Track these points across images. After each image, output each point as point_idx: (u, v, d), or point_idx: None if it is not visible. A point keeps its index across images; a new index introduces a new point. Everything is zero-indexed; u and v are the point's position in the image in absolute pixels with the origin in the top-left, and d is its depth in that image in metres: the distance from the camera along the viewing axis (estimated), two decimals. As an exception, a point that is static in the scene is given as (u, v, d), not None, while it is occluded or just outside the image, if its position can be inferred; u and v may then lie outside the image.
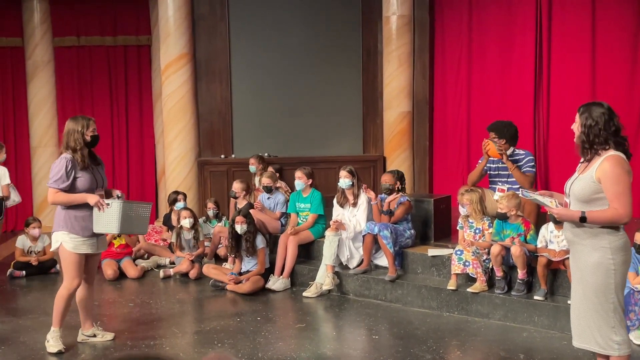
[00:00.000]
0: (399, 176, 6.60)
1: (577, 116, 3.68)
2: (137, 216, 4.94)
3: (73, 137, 4.82)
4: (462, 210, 6.02)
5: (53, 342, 4.95)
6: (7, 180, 7.29)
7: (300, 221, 7.05)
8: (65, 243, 4.82)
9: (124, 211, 4.78)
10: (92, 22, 10.08)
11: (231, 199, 8.05)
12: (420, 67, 9.72)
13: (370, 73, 10.08)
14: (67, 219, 4.82)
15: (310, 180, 7.02)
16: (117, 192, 5.05)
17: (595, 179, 3.53)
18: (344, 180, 6.63)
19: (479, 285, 5.71)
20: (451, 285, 5.81)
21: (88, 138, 4.86)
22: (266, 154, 9.76)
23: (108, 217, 4.77)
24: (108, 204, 4.76)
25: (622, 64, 7.94)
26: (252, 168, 8.61)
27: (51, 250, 5.11)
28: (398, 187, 6.55)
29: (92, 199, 4.76)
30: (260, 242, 6.75)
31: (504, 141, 6.40)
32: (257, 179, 8.30)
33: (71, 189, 4.78)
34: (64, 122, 10.00)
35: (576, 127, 3.68)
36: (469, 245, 5.79)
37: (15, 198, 7.48)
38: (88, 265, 5.02)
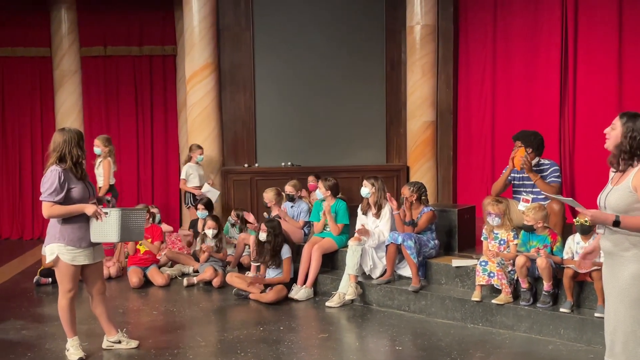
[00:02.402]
0: (417, 187, 6.56)
1: (619, 124, 3.56)
2: (134, 224, 4.90)
3: (68, 147, 4.75)
4: (495, 221, 5.90)
5: (73, 350, 4.97)
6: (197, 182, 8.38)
7: (323, 230, 7.04)
8: (62, 255, 4.77)
9: (122, 219, 4.76)
10: (119, 33, 10.23)
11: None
12: (444, 77, 9.70)
13: (393, 83, 10.09)
14: (64, 230, 4.75)
15: (329, 192, 7.00)
16: (107, 197, 5.06)
17: (632, 188, 3.46)
18: (364, 189, 6.64)
19: (503, 297, 5.65)
20: (475, 296, 5.76)
21: (81, 151, 4.81)
22: (289, 164, 9.80)
23: (107, 226, 4.73)
24: (106, 213, 4.73)
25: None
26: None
27: (46, 262, 5.08)
28: (416, 199, 6.49)
29: (89, 209, 4.71)
30: (286, 252, 6.76)
31: (530, 150, 6.35)
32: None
33: (66, 200, 4.72)
34: (91, 130, 10.23)
35: (614, 134, 3.58)
36: (493, 256, 5.74)
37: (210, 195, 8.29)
38: (91, 276, 4.98)
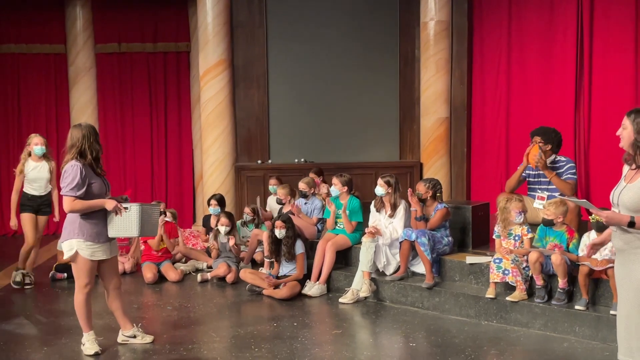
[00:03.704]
0: (433, 184, 6.53)
1: (628, 122, 3.55)
2: (151, 218, 4.99)
3: (88, 142, 4.80)
4: (518, 218, 5.83)
5: (89, 345, 5.00)
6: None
7: (337, 227, 7.04)
8: (81, 250, 4.81)
9: (142, 214, 4.84)
10: (133, 29, 10.28)
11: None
12: (458, 73, 9.66)
13: (407, 79, 10.06)
14: (83, 226, 4.80)
15: (345, 188, 7.00)
16: (122, 196, 5.09)
17: None
18: (379, 189, 6.61)
19: (518, 294, 5.62)
20: (490, 293, 5.74)
21: (99, 147, 4.89)
22: (303, 160, 9.80)
23: (126, 221, 4.80)
24: (126, 208, 4.80)
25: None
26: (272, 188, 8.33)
27: (64, 258, 5.13)
28: (431, 195, 6.47)
29: (110, 204, 4.77)
30: (299, 247, 6.77)
31: (549, 147, 6.31)
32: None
33: (86, 195, 4.77)
34: (106, 126, 10.26)
35: (626, 133, 3.57)
36: (507, 254, 5.71)
37: None
38: (107, 271, 5.03)
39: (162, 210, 7.39)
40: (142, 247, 7.65)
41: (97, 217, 4.82)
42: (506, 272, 5.67)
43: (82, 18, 10.05)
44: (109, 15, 10.17)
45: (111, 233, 4.86)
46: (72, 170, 4.75)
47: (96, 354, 4.97)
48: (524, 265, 5.68)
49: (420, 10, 9.64)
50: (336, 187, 7.02)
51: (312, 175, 8.19)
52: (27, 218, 7.03)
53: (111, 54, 10.30)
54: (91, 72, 10.17)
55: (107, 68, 10.31)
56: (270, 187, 8.30)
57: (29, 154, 7.10)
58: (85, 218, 4.80)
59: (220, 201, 8.17)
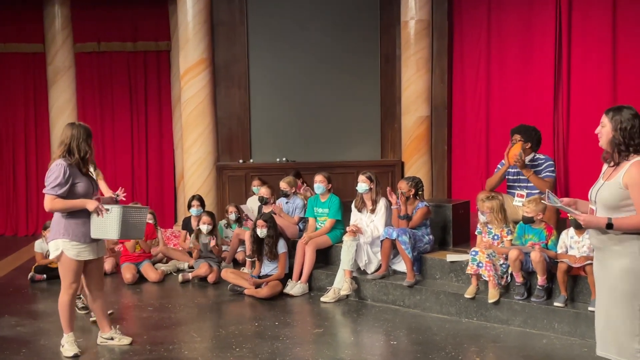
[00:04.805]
0: (415, 182, 6.56)
1: (606, 120, 3.58)
2: (135, 221, 4.91)
3: (77, 141, 4.77)
4: (482, 218, 5.97)
5: (68, 347, 4.97)
6: None
7: (318, 226, 7.05)
8: (67, 250, 4.79)
9: (123, 217, 4.77)
10: (113, 28, 10.19)
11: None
12: (439, 72, 9.71)
13: (388, 78, 10.09)
14: (68, 226, 4.77)
15: (330, 185, 7.03)
16: (114, 194, 5.04)
17: (623, 185, 3.48)
18: (362, 185, 6.63)
19: (493, 292, 5.64)
20: (469, 293, 5.77)
21: (88, 147, 4.82)
22: (284, 159, 9.80)
23: (107, 223, 4.74)
24: (107, 209, 4.74)
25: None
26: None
27: (50, 258, 5.09)
28: (413, 194, 6.51)
29: (91, 204, 4.72)
30: (282, 247, 6.77)
31: (529, 145, 6.36)
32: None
33: (70, 194, 4.74)
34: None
35: (605, 131, 3.59)
36: (485, 248, 5.75)
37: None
38: (92, 272, 5.00)
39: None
40: (120, 248, 7.60)
41: (83, 217, 4.78)
42: (480, 264, 5.71)
43: (61, 17, 9.95)
44: (88, 14, 10.08)
45: (93, 234, 4.81)
46: (56, 168, 4.73)
47: (75, 356, 4.94)
48: (501, 261, 5.73)
49: (401, 9, 9.67)
50: (322, 184, 7.00)
51: (284, 184, 7.77)
52: None
53: (90, 53, 10.21)
54: (70, 71, 10.07)
55: (86, 67, 10.22)
56: (254, 188, 8.27)
57: None
58: (70, 218, 4.77)
59: (201, 201, 8.16)
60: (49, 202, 4.72)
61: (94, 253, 4.91)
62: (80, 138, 4.79)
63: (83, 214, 4.78)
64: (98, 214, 4.74)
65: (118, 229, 4.75)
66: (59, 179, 4.69)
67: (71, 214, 4.76)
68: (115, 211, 4.75)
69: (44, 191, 4.77)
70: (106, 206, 4.78)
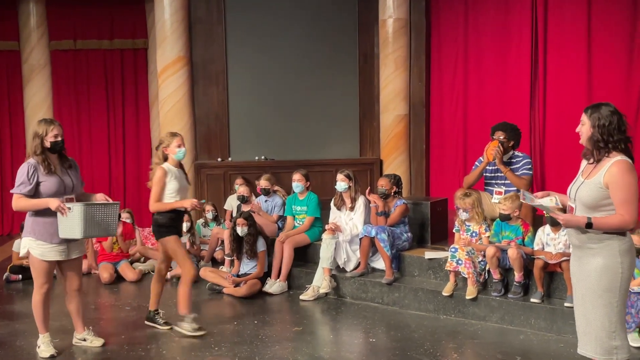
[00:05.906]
0: (395, 180, 6.61)
1: (586, 118, 3.60)
2: (102, 219, 4.75)
3: (34, 142, 4.70)
4: (464, 215, 5.96)
5: (44, 347, 4.92)
6: None
7: (296, 224, 7.05)
8: (32, 249, 4.73)
9: (86, 215, 4.62)
10: (89, 26, 10.09)
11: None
12: (417, 71, 9.75)
13: (366, 76, 10.11)
14: (35, 225, 4.71)
15: (308, 183, 7.04)
16: (99, 195, 4.93)
17: (603, 184, 3.49)
18: (340, 184, 6.64)
19: (472, 289, 5.69)
20: (446, 291, 5.82)
21: (47, 144, 4.71)
22: (263, 157, 9.78)
23: (71, 222, 4.62)
24: (69, 208, 4.61)
25: (618, 65, 7.94)
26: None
27: (20, 255, 5.05)
28: (394, 192, 6.55)
29: (53, 203, 4.60)
30: (261, 245, 6.76)
31: (512, 143, 6.40)
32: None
33: (35, 194, 4.67)
34: (61, 125, 10.03)
35: (585, 129, 3.62)
36: (464, 245, 5.80)
37: None
38: (67, 272, 4.93)
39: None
40: (98, 247, 7.53)
41: (50, 217, 4.69)
42: (459, 262, 5.75)
43: (36, 14, 9.83)
44: (63, 11, 9.97)
45: (60, 234, 4.70)
46: (22, 168, 4.69)
47: (52, 357, 4.89)
48: (480, 258, 5.77)
49: (379, 7, 9.70)
50: (300, 183, 7.00)
51: (264, 181, 7.61)
52: None
53: (66, 50, 10.10)
54: (46, 69, 9.96)
55: (62, 65, 10.11)
56: (236, 187, 8.24)
57: None
58: (37, 217, 4.71)
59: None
60: (14, 200, 4.72)
61: (64, 254, 4.81)
62: (37, 136, 4.70)
63: (51, 214, 4.67)
64: (61, 213, 4.62)
65: (82, 227, 4.61)
66: (22, 177, 4.65)
67: (37, 213, 4.70)
68: (77, 209, 4.61)
69: (11, 191, 4.76)
70: (68, 204, 4.63)
